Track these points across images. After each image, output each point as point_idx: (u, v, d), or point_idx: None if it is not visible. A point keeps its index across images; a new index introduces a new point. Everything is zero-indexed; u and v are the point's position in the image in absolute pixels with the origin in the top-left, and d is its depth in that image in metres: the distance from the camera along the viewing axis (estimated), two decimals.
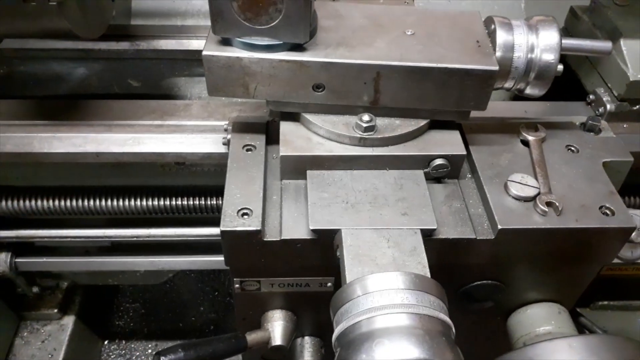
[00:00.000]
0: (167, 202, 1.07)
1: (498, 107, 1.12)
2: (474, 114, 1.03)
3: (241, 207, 0.79)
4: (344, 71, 0.80)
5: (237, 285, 0.86)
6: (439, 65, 0.79)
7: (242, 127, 0.93)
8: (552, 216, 0.80)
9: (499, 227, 0.78)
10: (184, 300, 1.70)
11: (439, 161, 0.84)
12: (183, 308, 1.68)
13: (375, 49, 0.81)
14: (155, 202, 1.07)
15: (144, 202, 1.08)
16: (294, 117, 0.88)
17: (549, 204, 0.80)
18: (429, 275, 0.70)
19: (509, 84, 0.84)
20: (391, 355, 0.59)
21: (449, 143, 0.86)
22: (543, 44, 0.81)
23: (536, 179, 0.84)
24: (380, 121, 0.85)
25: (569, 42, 0.82)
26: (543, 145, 0.92)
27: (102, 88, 1.35)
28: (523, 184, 0.83)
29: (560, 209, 0.79)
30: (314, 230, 0.76)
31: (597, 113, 1.11)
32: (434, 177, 0.87)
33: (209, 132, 1.02)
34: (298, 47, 0.80)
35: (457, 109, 0.84)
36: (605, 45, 0.81)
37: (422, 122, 0.86)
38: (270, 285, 0.87)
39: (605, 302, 1.53)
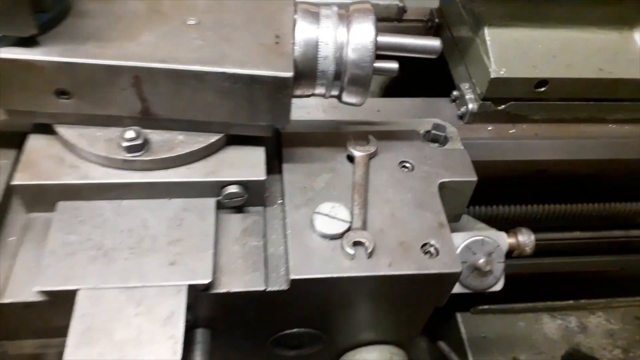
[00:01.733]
0: None
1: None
2: (300, 119, 0.86)
3: None
4: (89, 74, 0.60)
5: None
6: (215, 69, 0.60)
7: None
8: (361, 259, 0.65)
9: (291, 277, 0.62)
10: None
11: (231, 189, 0.67)
12: None
13: (137, 44, 0.62)
14: None
15: None
16: (50, 129, 0.67)
17: (357, 243, 0.65)
18: (179, 355, 0.54)
19: (319, 91, 0.67)
20: None
21: (247, 164, 0.68)
22: (355, 41, 0.63)
23: (352, 208, 0.69)
24: (158, 136, 0.67)
25: (388, 39, 0.65)
26: (372, 161, 0.76)
27: None
28: (332, 217, 0.67)
29: (370, 250, 0.64)
30: (42, 292, 0.58)
31: (460, 113, 0.97)
32: (233, 206, 0.70)
33: None
34: (28, 41, 0.59)
35: (252, 123, 0.66)
36: (432, 44, 0.64)
37: (213, 138, 0.68)
38: (19, 348, 0.68)
39: (486, 306, 1.44)
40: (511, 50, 0.88)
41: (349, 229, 0.66)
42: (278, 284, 0.65)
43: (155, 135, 0.67)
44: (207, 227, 0.65)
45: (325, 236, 0.66)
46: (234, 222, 0.70)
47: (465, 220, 0.95)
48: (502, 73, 0.88)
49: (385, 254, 0.65)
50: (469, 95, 0.94)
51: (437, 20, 1.09)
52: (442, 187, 0.75)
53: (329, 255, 0.65)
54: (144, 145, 0.65)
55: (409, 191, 0.73)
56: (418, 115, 0.96)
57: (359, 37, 0.63)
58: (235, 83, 0.61)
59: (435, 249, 0.67)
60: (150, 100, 0.63)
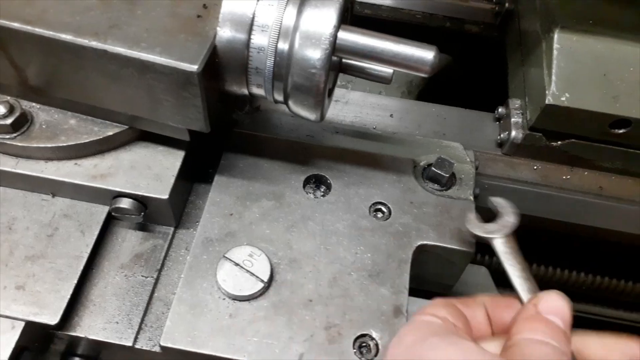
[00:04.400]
0: None
1: (355, 99, 0.74)
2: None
3: None
4: None
5: None
6: (94, 44, 0.42)
7: None
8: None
9: (161, 342, 0.46)
10: None
11: (122, 203, 0.50)
12: None
13: None
14: None
15: None
16: None
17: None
18: None
19: (257, 91, 0.47)
20: None
21: (151, 174, 0.51)
22: (304, 31, 0.42)
23: (274, 260, 0.50)
24: (47, 116, 0.51)
25: (355, 38, 0.42)
26: (331, 196, 0.55)
27: None
28: (244, 269, 0.48)
29: None
30: None
31: (499, 139, 0.72)
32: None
33: None
34: None
35: (157, 121, 0.48)
36: (420, 55, 0.41)
37: (112, 131, 0.51)
38: None
39: None
40: (586, 69, 0.62)
41: (263, 291, 0.48)
42: (151, 343, 0.48)
43: (43, 115, 0.51)
44: (82, 247, 0.50)
45: (228, 295, 0.48)
46: (129, 241, 0.53)
47: (473, 280, 0.72)
48: (564, 100, 0.62)
49: (299, 338, 0.47)
50: (515, 118, 0.69)
51: (507, 4, 0.82)
52: (423, 251, 0.54)
53: (223, 324, 0.47)
54: (19, 126, 0.49)
55: (370, 250, 0.52)
56: (444, 131, 0.72)
57: (311, 26, 0.42)
58: (124, 67, 0.43)
59: (376, 345, 0.47)
60: (25, 70, 0.47)
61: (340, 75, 0.54)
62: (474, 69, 0.93)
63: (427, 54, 0.41)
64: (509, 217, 0.49)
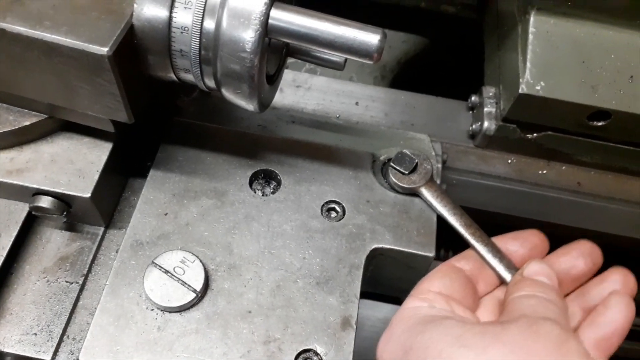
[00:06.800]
0: None
1: (318, 84, 0.69)
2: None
3: None
4: None
5: None
6: None
7: None
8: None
9: (80, 358, 0.41)
10: None
11: (41, 201, 0.45)
12: None
13: None
14: None
15: None
16: None
17: None
18: None
19: (185, 76, 0.42)
20: None
21: (73, 169, 0.46)
22: (234, 5, 0.36)
23: (209, 265, 0.45)
24: None
25: (290, 17, 0.37)
26: (281, 193, 0.50)
27: None
28: (174, 277, 0.44)
29: None
30: None
31: (471, 130, 0.67)
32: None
33: None
34: None
35: (76, 110, 0.43)
36: (363, 40, 0.36)
37: (29, 120, 0.45)
38: None
39: None
40: (563, 55, 0.56)
41: (196, 302, 0.43)
42: (73, 357, 0.44)
43: None
44: None
45: (156, 306, 0.43)
46: (54, 242, 0.48)
47: None
48: (539, 89, 0.57)
49: (234, 354, 0.42)
50: (488, 108, 0.64)
51: None
52: (378, 254, 0.49)
53: (150, 338, 0.42)
54: None
55: (319, 254, 0.47)
56: (412, 121, 0.67)
57: (240, 2, 0.36)
58: (28, 49, 0.38)
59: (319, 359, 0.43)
60: None
61: None
62: (451, 53, 0.87)
63: (371, 37, 0.36)
64: (426, 164, 0.52)
